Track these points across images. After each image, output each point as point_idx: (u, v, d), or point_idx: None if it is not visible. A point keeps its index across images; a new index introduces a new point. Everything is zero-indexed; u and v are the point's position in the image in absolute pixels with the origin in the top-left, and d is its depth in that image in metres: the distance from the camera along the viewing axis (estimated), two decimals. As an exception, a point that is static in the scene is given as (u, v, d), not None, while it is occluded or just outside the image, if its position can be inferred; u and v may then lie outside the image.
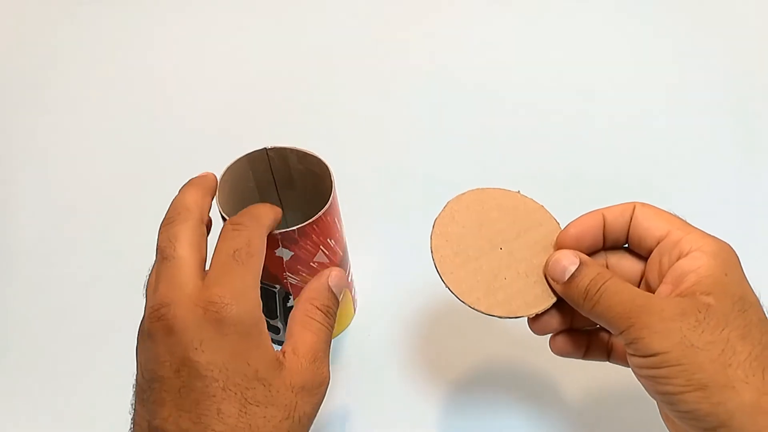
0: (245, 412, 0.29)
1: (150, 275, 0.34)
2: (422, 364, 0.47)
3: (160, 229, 0.34)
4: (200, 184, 0.36)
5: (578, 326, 0.37)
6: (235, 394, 0.29)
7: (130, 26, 0.67)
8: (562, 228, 0.36)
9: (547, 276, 0.35)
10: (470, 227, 0.35)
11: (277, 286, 0.41)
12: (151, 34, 0.66)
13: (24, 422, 0.45)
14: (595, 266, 0.33)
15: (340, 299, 0.36)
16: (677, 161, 0.58)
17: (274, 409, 0.30)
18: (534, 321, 0.35)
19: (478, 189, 0.37)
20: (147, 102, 0.63)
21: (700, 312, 0.29)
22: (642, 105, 0.62)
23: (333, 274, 0.36)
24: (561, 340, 0.36)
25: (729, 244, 0.32)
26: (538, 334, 0.36)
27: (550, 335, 0.37)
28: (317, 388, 0.32)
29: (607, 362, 0.38)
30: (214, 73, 0.64)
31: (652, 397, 0.31)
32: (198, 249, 0.33)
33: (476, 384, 0.46)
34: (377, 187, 0.57)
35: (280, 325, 0.45)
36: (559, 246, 0.35)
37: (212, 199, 0.37)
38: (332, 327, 0.35)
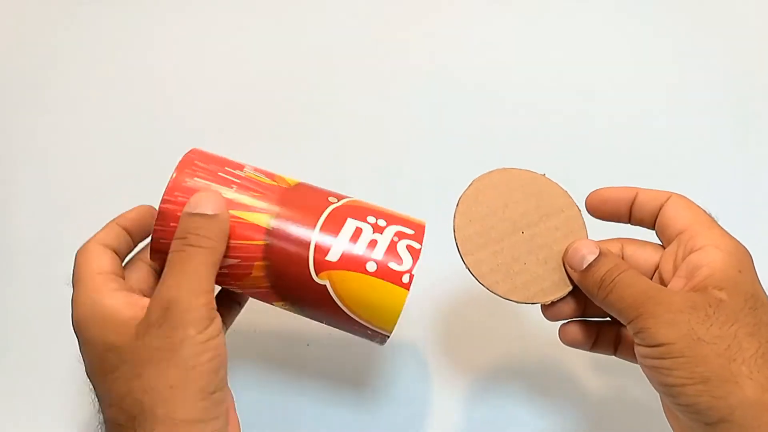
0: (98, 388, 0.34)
1: None
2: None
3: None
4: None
5: (590, 315, 0.37)
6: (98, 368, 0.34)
7: (129, 26, 0.67)
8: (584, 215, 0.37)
9: (566, 263, 0.35)
10: (494, 208, 0.35)
11: None
12: (151, 34, 0.66)
13: (24, 422, 0.45)
14: (612, 257, 0.33)
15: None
16: (677, 161, 0.58)
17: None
18: (548, 307, 0.36)
19: (504, 168, 0.37)
20: (147, 102, 0.63)
21: (710, 306, 0.29)
22: (642, 105, 0.62)
23: (196, 196, 0.35)
24: (572, 329, 0.37)
25: (745, 246, 0.33)
26: (550, 320, 0.37)
27: (560, 323, 0.37)
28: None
29: (619, 359, 0.38)
30: (214, 73, 0.64)
31: (656, 389, 0.31)
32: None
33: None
34: (377, 187, 0.57)
35: None
36: (588, 202, 0.36)
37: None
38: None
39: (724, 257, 0.31)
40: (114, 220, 0.39)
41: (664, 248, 0.36)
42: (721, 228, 0.34)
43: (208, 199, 0.33)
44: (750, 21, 0.67)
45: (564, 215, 0.37)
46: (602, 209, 0.37)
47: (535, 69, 0.65)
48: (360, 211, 0.35)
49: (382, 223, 0.35)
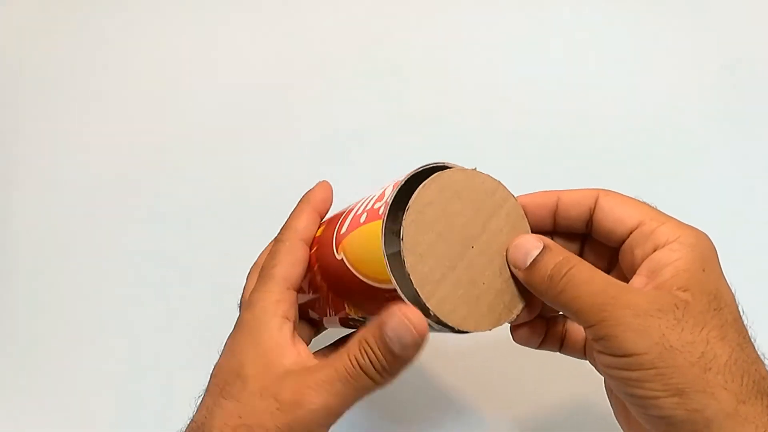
0: (214, 404, 0.30)
1: None
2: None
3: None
4: (310, 200, 0.36)
5: (545, 314, 0.34)
6: (216, 386, 0.30)
7: (130, 26, 0.67)
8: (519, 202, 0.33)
9: (509, 264, 0.31)
10: (438, 230, 0.31)
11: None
12: (152, 34, 0.66)
13: (24, 422, 0.45)
14: (560, 250, 0.30)
15: (400, 354, 0.28)
16: (678, 161, 0.58)
17: (239, 406, 0.29)
18: (514, 328, 0.33)
19: (435, 176, 0.32)
20: (147, 102, 0.63)
21: (678, 309, 0.27)
22: (643, 106, 0.62)
23: (393, 319, 0.28)
24: (522, 327, 0.33)
25: (706, 234, 0.30)
26: (518, 342, 0.34)
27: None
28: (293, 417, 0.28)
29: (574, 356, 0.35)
30: (214, 73, 0.64)
31: (621, 397, 0.29)
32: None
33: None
34: (376, 186, 0.57)
35: None
36: None
37: (321, 216, 0.36)
38: (360, 390, 0.28)
39: (688, 255, 0.28)
40: (296, 239, 0.34)
41: (614, 250, 0.32)
42: (672, 217, 0.30)
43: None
44: (751, 21, 0.67)
45: (503, 212, 0.33)
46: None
47: (535, 70, 0.64)
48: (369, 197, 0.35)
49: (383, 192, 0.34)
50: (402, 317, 0.27)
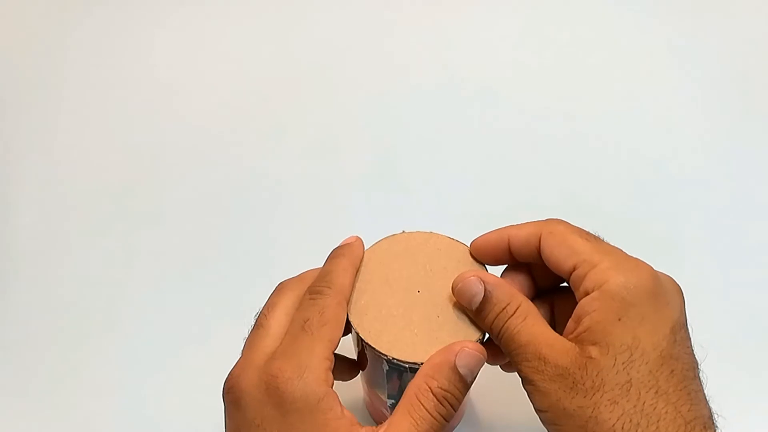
0: None
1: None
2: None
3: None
4: (347, 255, 0.34)
5: None
6: None
7: (131, 27, 0.67)
8: (457, 240, 0.35)
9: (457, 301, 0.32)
10: (379, 290, 0.33)
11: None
12: (152, 35, 0.66)
13: (24, 422, 0.45)
14: (500, 297, 0.31)
15: (470, 383, 0.30)
16: (677, 163, 0.58)
17: None
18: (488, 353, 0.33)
19: (366, 251, 0.34)
20: (148, 102, 0.63)
21: (579, 369, 0.27)
22: (643, 106, 0.62)
23: (463, 352, 0.29)
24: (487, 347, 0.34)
25: (645, 269, 0.30)
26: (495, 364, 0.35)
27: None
28: None
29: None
30: (215, 74, 0.64)
31: None
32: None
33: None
34: (376, 186, 0.57)
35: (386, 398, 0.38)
36: (471, 252, 0.34)
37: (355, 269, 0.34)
38: (446, 417, 0.29)
39: (604, 305, 0.28)
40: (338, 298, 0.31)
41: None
42: (609, 254, 0.30)
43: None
44: (752, 21, 0.67)
45: (443, 253, 0.34)
46: (486, 259, 0.34)
47: (536, 73, 0.64)
48: None
49: None
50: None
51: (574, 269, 0.30)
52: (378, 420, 0.40)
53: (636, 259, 0.30)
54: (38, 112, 0.63)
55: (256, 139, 0.59)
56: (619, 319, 0.28)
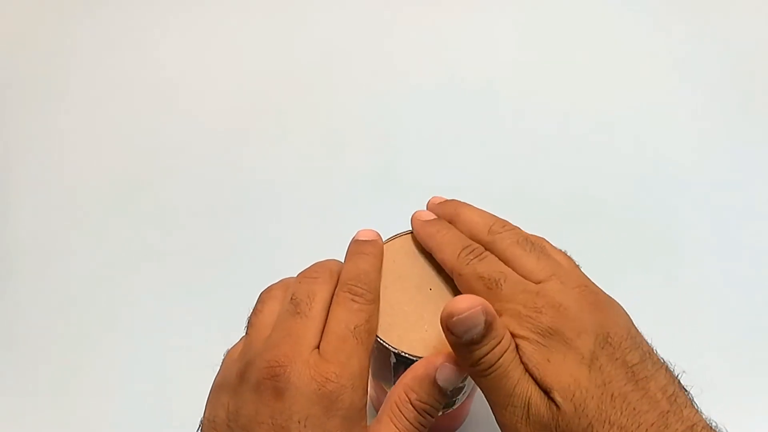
0: None
1: (255, 316, 0.31)
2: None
3: (298, 278, 0.32)
4: (378, 254, 0.33)
5: None
6: None
7: (133, 27, 0.67)
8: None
9: (444, 326, 0.30)
10: (391, 286, 0.33)
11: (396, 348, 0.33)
12: (154, 35, 0.66)
13: (24, 422, 0.45)
14: (494, 338, 0.29)
15: (449, 394, 0.30)
16: (677, 162, 0.58)
17: None
18: None
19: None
20: (149, 102, 0.63)
21: (553, 420, 0.27)
22: (643, 106, 0.62)
23: (443, 367, 0.29)
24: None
25: (545, 309, 0.29)
26: None
27: None
28: None
29: None
30: (217, 73, 0.64)
31: None
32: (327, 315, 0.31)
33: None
34: (376, 186, 0.57)
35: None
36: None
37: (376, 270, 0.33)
38: (425, 425, 0.29)
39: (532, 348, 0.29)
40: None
41: None
42: (509, 303, 0.29)
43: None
44: (752, 22, 0.66)
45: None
46: None
47: (536, 73, 0.64)
48: None
49: None
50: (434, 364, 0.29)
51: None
52: None
53: (536, 295, 0.29)
54: (40, 111, 0.63)
55: (257, 138, 0.59)
56: (549, 361, 0.27)
